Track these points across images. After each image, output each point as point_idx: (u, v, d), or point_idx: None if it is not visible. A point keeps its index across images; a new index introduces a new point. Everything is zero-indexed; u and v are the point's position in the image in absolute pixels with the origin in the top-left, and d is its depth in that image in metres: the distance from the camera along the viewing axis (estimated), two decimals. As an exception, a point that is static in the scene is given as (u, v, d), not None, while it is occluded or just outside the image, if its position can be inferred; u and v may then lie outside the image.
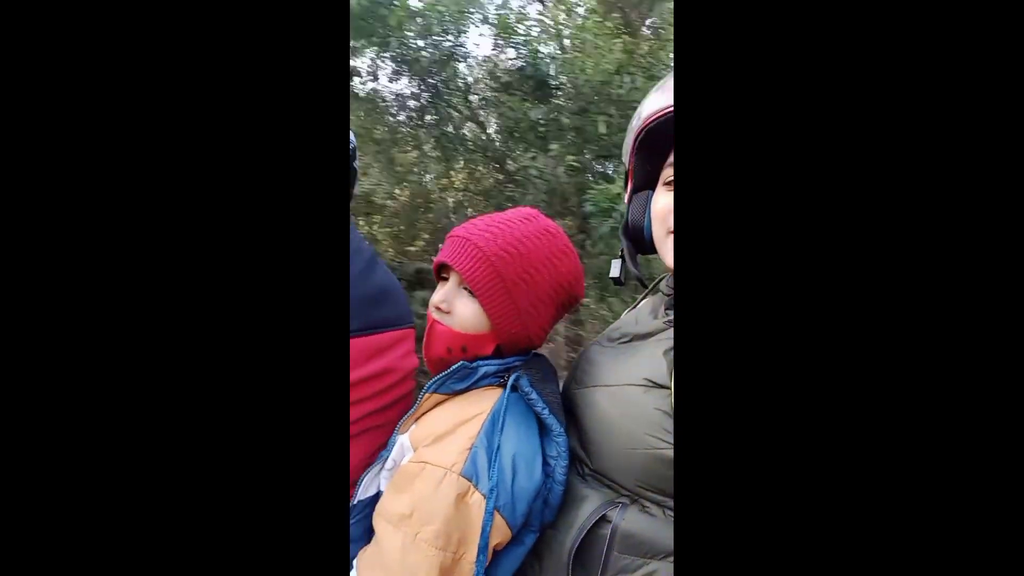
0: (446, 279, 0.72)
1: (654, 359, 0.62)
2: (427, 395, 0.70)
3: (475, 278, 0.67)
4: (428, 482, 0.61)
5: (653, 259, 0.76)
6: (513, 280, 0.68)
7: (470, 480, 0.60)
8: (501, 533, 0.61)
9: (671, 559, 0.57)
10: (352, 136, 0.94)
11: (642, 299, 0.79)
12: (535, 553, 0.66)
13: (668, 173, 0.67)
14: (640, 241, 0.74)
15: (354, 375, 0.74)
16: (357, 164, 0.97)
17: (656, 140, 0.68)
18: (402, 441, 0.69)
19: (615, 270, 0.73)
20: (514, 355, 0.72)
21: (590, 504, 0.63)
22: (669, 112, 0.65)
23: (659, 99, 0.67)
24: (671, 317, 0.67)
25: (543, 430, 0.67)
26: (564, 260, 0.71)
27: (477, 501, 0.60)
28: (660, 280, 0.75)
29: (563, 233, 0.74)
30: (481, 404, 0.66)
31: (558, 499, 0.65)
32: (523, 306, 0.69)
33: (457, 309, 0.70)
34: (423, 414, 0.70)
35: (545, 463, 0.65)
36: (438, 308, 0.71)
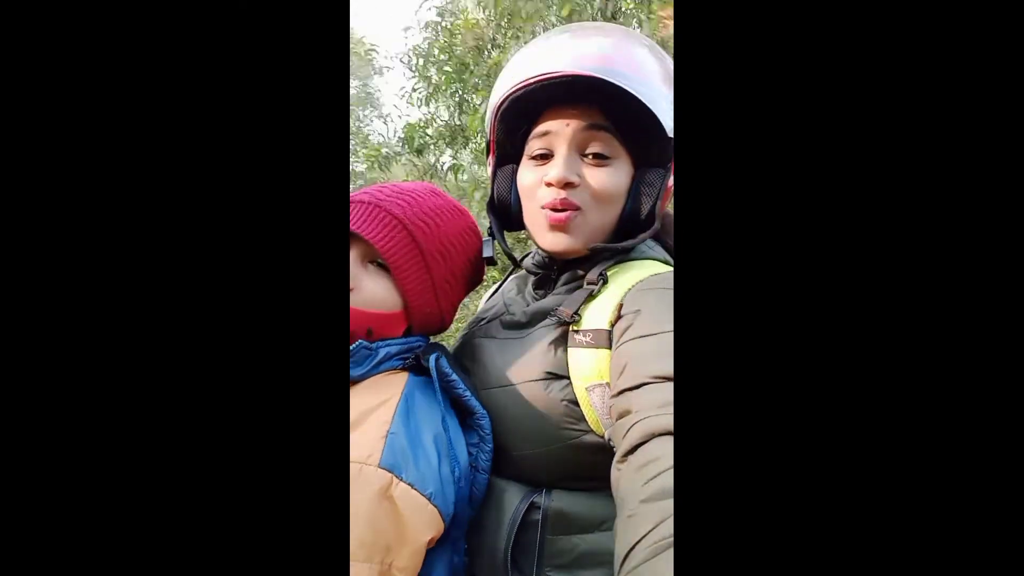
0: None
1: (547, 352, 0.60)
2: None
3: (390, 248, 0.60)
4: None
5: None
6: (432, 254, 0.62)
7: (391, 471, 0.52)
8: (435, 526, 0.53)
9: (603, 527, 0.57)
10: None
11: (506, 278, 0.76)
12: (468, 552, 0.60)
13: (534, 146, 0.63)
14: (507, 217, 0.69)
15: None
16: None
17: (519, 110, 0.64)
18: None
19: (487, 249, 0.68)
20: (418, 336, 0.66)
21: (513, 495, 0.59)
22: (532, 82, 0.60)
23: (523, 68, 0.62)
24: (546, 301, 0.65)
25: (462, 415, 0.61)
26: (473, 238, 0.69)
27: (403, 492, 0.51)
28: (525, 258, 0.72)
29: (469, 212, 0.71)
30: (390, 389, 0.59)
31: (482, 491, 0.60)
32: (439, 281, 0.64)
33: (364, 285, 0.60)
34: None
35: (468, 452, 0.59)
36: None
